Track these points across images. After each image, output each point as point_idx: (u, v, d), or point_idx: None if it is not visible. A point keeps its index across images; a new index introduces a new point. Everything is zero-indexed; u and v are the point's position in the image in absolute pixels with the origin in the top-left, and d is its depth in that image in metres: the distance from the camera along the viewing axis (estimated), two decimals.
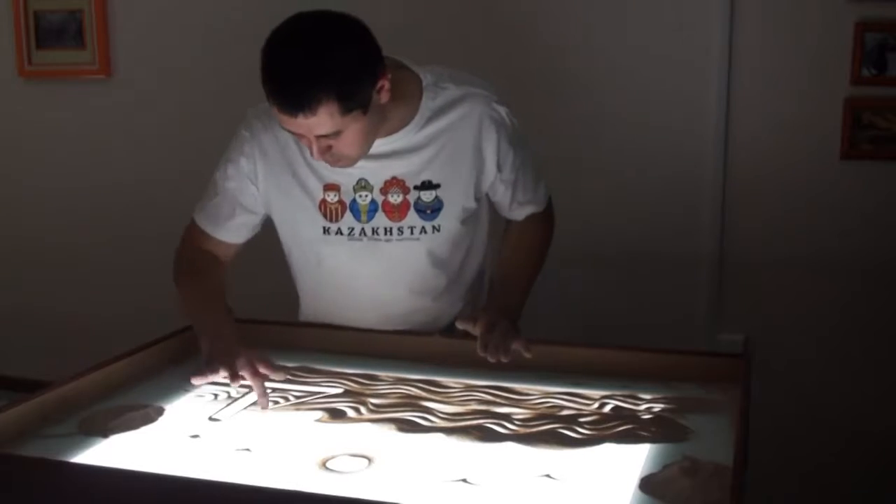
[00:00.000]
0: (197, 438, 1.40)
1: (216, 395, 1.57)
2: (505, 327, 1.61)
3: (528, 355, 1.57)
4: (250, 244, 2.89)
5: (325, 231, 1.72)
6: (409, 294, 1.77)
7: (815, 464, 2.52)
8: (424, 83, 1.68)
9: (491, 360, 1.56)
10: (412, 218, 1.70)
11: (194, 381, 1.53)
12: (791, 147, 2.44)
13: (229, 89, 2.86)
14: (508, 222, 1.87)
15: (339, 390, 1.59)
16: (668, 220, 2.54)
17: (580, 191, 2.51)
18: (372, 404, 1.53)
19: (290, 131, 1.56)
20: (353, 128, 1.53)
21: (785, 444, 2.46)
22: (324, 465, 1.30)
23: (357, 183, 1.69)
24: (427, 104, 1.67)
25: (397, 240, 1.71)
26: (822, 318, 2.49)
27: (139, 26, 2.93)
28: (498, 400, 1.54)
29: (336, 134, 1.53)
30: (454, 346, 1.71)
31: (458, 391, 1.58)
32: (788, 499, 2.54)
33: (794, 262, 2.48)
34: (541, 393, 1.56)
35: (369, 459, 1.31)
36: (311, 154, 1.57)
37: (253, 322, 1.88)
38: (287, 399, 1.55)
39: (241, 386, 1.57)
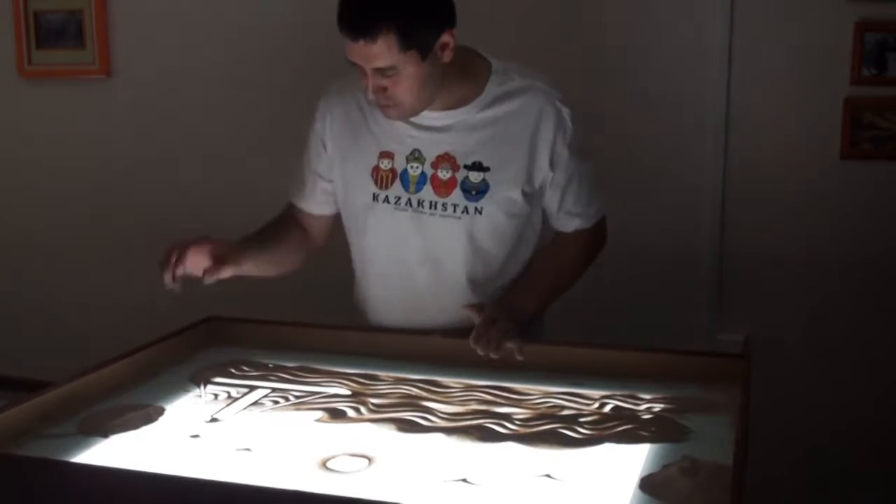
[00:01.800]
0: (197, 438, 1.40)
1: (216, 395, 1.57)
2: (504, 325, 1.61)
3: (519, 357, 1.58)
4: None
5: (375, 198, 1.75)
6: (445, 277, 1.76)
7: (814, 463, 2.52)
8: (494, 68, 1.73)
9: (480, 353, 1.57)
10: (457, 196, 1.72)
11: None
12: (791, 147, 2.44)
13: (229, 89, 2.86)
14: (556, 234, 1.85)
15: (340, 390, 1.59)
16: (667, 219, 2.54)
17: None
18: (372, 404, 1.53)
19: (351, 62, 1.61)
20: (408, 70, 1.58)
21: (785, 444, 2.46)
22: (324, 465, 1.30)
23: (411, 153, 1.73)
24: (492, 88, 1.72)
25: (441, 215, 1.72)
26: (822, 317, 2.49)
27: (139, 26, 2.93)
28: (498, 400, 1.54)
29: (392, 70, 1.58)
30: (454, 346, 1.71)
31: (458, 391, 1.58)
32: (788, 498, 2.53)
33: (795, 261, 2.48)
34: (541, 393, 1.56)
35: (369, 459, 1.32)
36: (366, 94, 1.63)
37: (254, 322, 1.88)
38: (287, 399, 1.55)
39: (242, 386, 1.58)
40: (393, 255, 1.78)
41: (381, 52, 1.55)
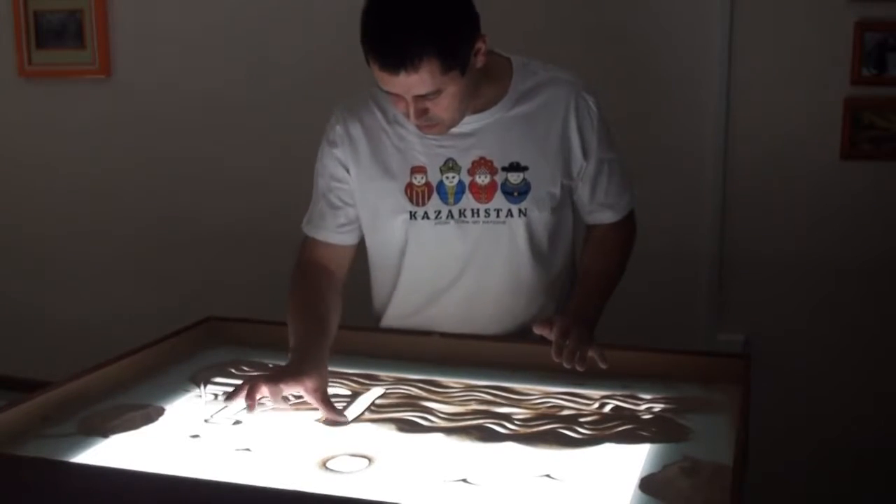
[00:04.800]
0: (197, 438, 1.40)
1: (216, 395, 1.57)
2: (580, 333, 1.56)
3: (603, 365, 1.53)
4: (245, 244, 2.88)
5: (412, 216, 1.70)
6: (493, 283, 1.73)
7: (815, 463, 2.53)
8: (515, 65, 1.71)
9: (566, 365, 1.51)
10: (499, 200, 1.69)
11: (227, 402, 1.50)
12: (791, 147, 2.44)
13: (229, 89, 2.86)
14: (589, 230, 1.84)
15: (339, 390, 1.59)
16: (668, 220, 2.54)
17: None
18: (372, 404, 1.53)
19: (387, 93, 1.57)
20: (450, 89, 1.55)
21: (785, 444, 2.46)
22: (324, 465, 1.30)
23: (444, 164, 1.69)
24: (517, 85, 1.69)
25: (484, 222, 1.69)
26: (822, 317, 2.49)
27: (139, 26, 2.93)
28: (498, 400, 1.54)
29: (435, 94, 1.54)
30: (454, 346, 1.71)
31: (458, 391, 1.58)
32: (788, 499, 2.54)
33: (795, 262, 2.48)
34: (541, 393, 1.56)
35: (369, 459, 1.32)
36: (409, 118, 1.58)
37: (254, 322, 1.88)
38: (287, 399, 1.55)
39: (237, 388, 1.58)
40: (436, 268, 1.74)
41: (423, 80, 1.50)
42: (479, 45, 1.57)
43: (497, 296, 1.75)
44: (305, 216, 1.81)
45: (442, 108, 1.57)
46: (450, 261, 1.72)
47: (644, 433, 1.40)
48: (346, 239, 1.78)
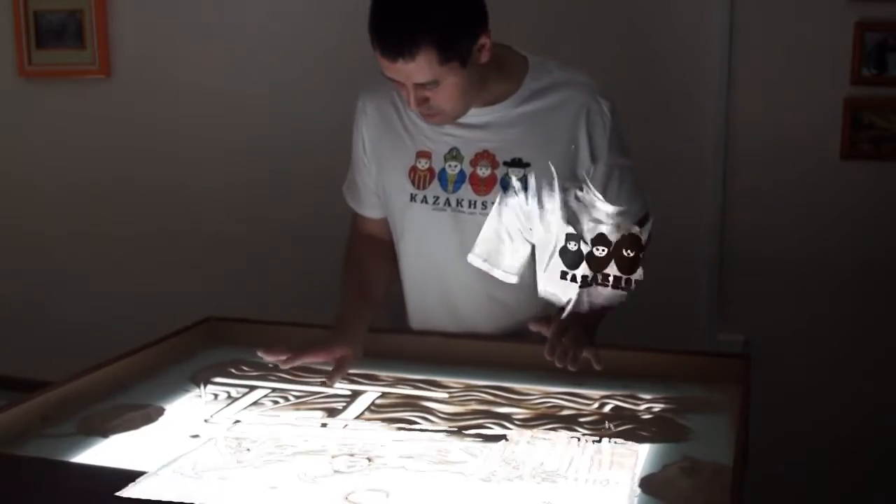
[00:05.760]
0: (197, 438, 1.40)
1: (216, 395, 1.57)
2: (576, 334, 1.56)
3: (598, 367, 1.53)
4: (244, 244, 2.88)
5: (412, 198, 1.73)
6: (484, 279, 1.72)
7: (814, 464, 2.52)
8: (531, 64, 1.72)
9: (558, 364, 1.52)
10: (497, 194, 1.68)
11: (261, 354, 1.59)
12: (791, 147, 2.44)
13: (229, 89, 2.86)
14: None
15: (339, 390, 1.59)
16: (667, 219, 2.54)
17: None
18: (372, 404, 1.53)
19: (389, 79, 1.59)
20: (449, 80, 1.57)
21: (785, 444, 2.46)
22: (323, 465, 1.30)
23: (449, 152, 1.71)
24: (530, 83, 1.70)
25: (480, 214, 1.69)
26: (822, 318, 2.49)
27: (139, 26, 2.93)
28: (498, 400, 1.54)
29: (433, 84, 1.56)
30: (454, 346, 1.71)
31: (458, 391, 1.58)
32: (788, 499, 2.53)
33: (795, 262, 2.48)
34: (541, 393, 1.56)
35: (369, 459, 1.32)
36: (409, 104, 1.61)
37: (254, 322, 1.88)
38: (287, 399, 1.55)
39: (242, 386, 1.57)
40: (430, 256, 1.75)
41: (420, 68, 1.53)
42: (484, 40, 1.58)
43: (494, 290, 1.74)
44: (346, 180, 1.88)
45: (443, 98, 1.59)
46: (445, 249, 1.73)
47: (644, 433, 1.40)
48: (379, 212, 1.84)
